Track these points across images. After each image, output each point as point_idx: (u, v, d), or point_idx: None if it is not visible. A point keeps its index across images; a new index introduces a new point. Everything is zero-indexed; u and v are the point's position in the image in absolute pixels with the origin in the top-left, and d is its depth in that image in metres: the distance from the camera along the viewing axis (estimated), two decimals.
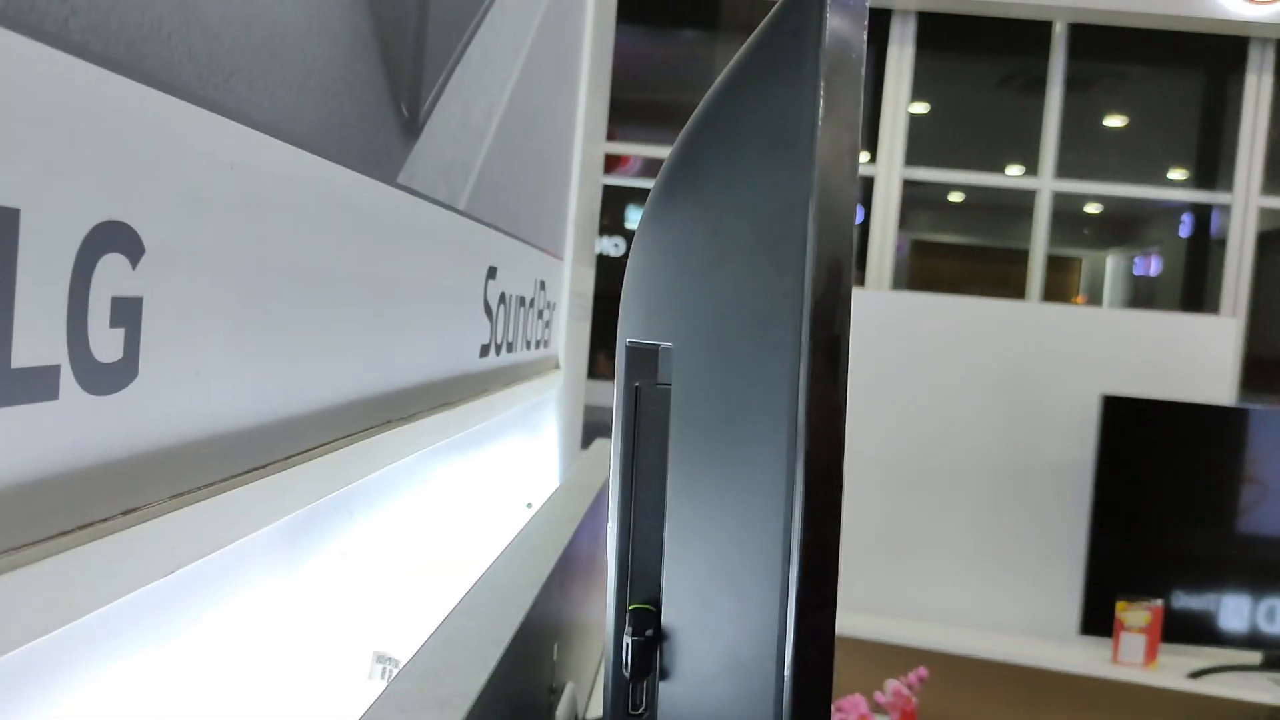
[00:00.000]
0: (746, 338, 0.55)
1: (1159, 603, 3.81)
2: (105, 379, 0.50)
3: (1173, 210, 6.74)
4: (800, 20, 0.54)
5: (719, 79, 0.61)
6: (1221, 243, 5.90)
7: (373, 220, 0.86)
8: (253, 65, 0.62)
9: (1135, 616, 3.83)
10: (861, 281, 5.82)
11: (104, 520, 0.50)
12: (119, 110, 0.49)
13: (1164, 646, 3.81)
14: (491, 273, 1.29)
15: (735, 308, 0.57)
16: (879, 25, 5.69)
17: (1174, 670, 3.81)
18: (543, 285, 1.64)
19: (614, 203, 6.53)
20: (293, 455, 0.72)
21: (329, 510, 0.80)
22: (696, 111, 0.62)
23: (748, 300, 0.56)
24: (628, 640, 0.61)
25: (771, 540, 0.53)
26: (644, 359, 0.65)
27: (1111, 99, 6.32)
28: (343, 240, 0.80)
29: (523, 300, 1.49)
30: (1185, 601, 3.94)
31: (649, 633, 0.62)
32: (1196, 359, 4.17)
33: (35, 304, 0.44)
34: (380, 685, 0.92)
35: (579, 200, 1.90)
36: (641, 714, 0.65)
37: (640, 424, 0.65)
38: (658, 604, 0.65)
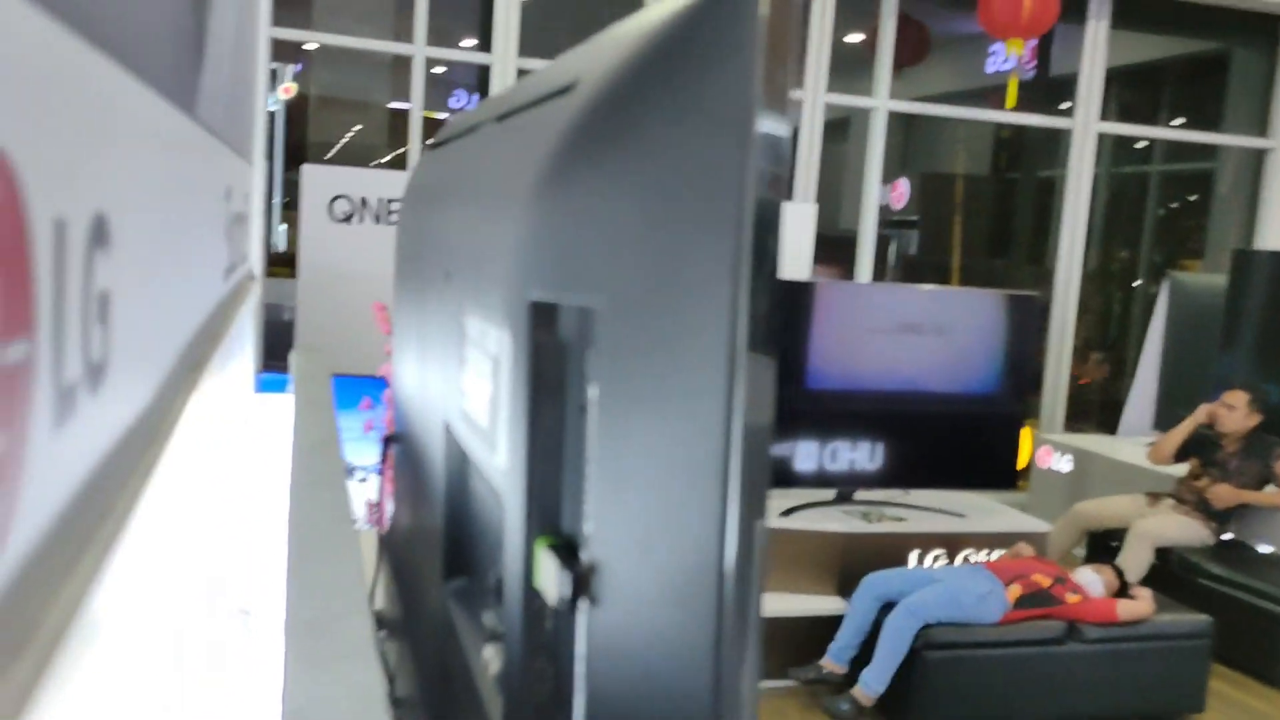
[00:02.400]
0: (680, 300, 0.60)
1: None
2: (94, 377, 0.47)
3: None
4: (733, 12, 0.58)
5: (635, 50, 0.64)
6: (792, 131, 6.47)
7: (180, 154, 0.81)
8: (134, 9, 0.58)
9: None
10: None
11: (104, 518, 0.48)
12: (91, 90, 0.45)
13: None
14: (228, 194, 1.22)
15: (668, 273, 0.61)
16: None
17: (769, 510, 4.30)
18: (246, 197, 1.56)
19: None
20: (168, 410, 0.69)
21: None
22: (608, 75, 0.64)
23: (682, 267, 0.60)
24: (566, 574, 0.66)
25: (710, 478, 0.59)
26: (549, 315, 0.68)
27: None
28: (175, 179, 0.75)
29: (238, 217, 1.42)
30: (773, 451, 4.44)
31: (577, 566, 0.67)
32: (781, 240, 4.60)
33: (71, 317, 0.41)
34: (243, 634, 0.90)
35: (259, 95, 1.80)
36: (548, 638, 0.71)
37: (541, 378, 0.69)
38: (563, 537, 0.70)
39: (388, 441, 1.24)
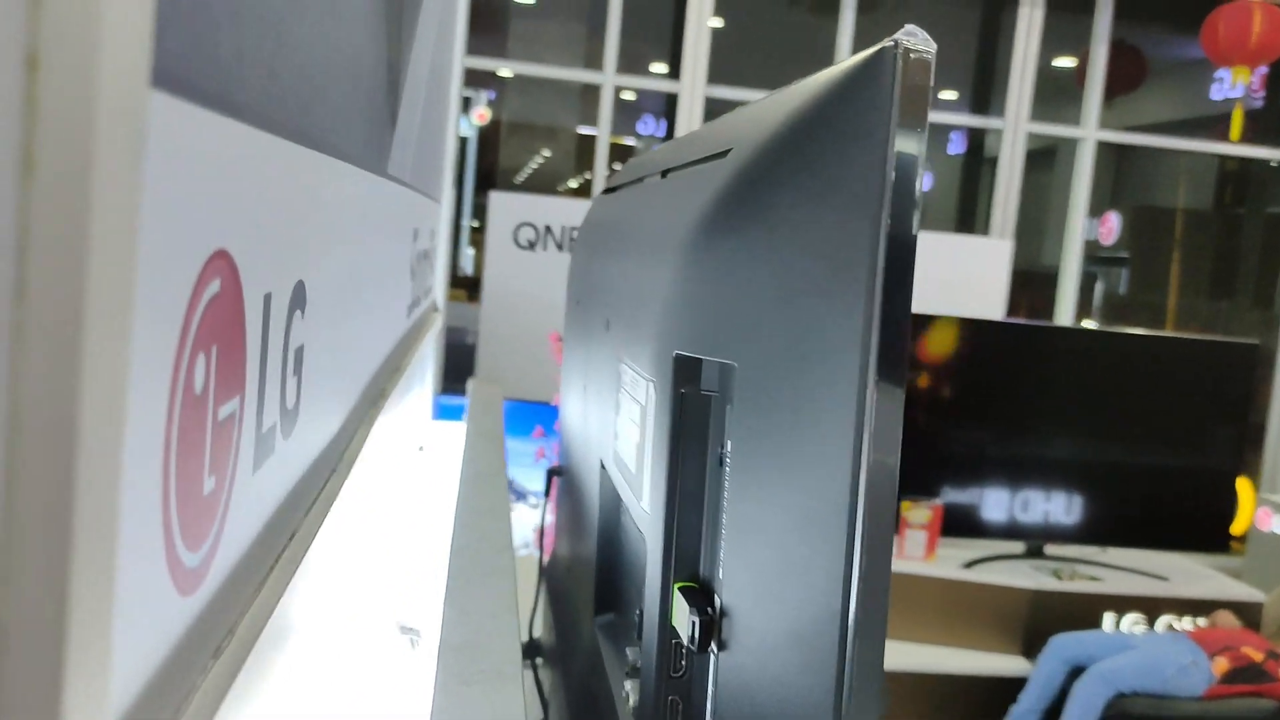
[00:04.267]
0: (812, 364, 0.64)
1: (939, 502, 4.19)
2: (289, 424, 0.54)
3: (943, 129, 7.17)
4: (871, 92, 0.62)
5: (782, 122, 0.69)
6: (991, 160, 6.34)
7: (374, 212, 0.90)
8: (332, 102, 0.66)
9: (918, 514, 4.20)
10: None
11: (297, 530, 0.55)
12: (299, 178, 0.53)
13: (942, 540, 4.19)
14: (415, 235, 1.32)
15: (801, 336, 0.65)
16: None
17: (951, 561, 4.19)
18: (432, 233, 1.67)
19: None
20: (344, 450, 0.77)
21: None
22: (756, 145, 0.70)
23: (815, 333, 0.65)
24: (694, 619, 0.71)
25: (834, 530, 0.63)
26: (695, 370, 0.73)
27: (896, 22, 6.61)
28: (367, 237, 0.84)
29: (425, 254, 1.53)
30: (956, 499, 4.33)
31: (709, 610, 0.71)
32: (969, 277, 4.53)
33: (273, 374, 0.49)
34: (412, 654, 0.98)
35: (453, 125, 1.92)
36: (682, 676, 0.76)
37: (685, 427, 0.74)
38: (700, 581, 0.75)
39: (551, 473, 1.31)
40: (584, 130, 7.47)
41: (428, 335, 1.62)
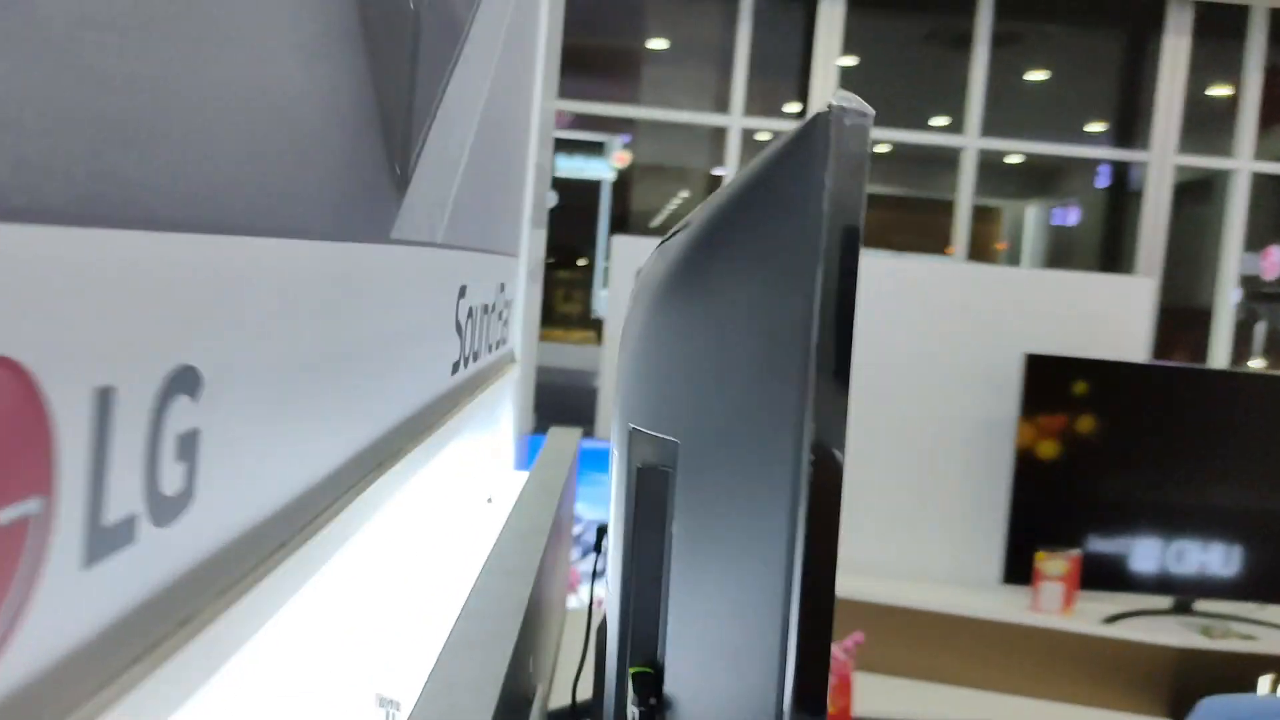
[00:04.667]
0: (750, 442, 0.61)
1: (1077, 552, 3.99)
2: (169, 511, 0.54)
3: (1091, 162, 6.91)
4: (805, 162, 0.59)
5: (726, 194, 0.66)
6: (1137, 194, 6.08)
7: (370, 280, 0.90)
8: (276, 176, 0.66)
9: (1053, 566, 4.00)
10: None
11: (166, 638, 0.55)
12: (177, 266, 0.53)
13: (1082, 594, 3.99)
14: (462, 292, 1.32)
15: (740, 414, 0.62)
16: None
17: (1090, 616, 3.99)
18: (502, 287, 1.68)
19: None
20: (306, 525, 0.76)
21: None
22: (702, 219, 0.67)
23: (753, 410, 0.61)
24: (635, 709, 0.68)
25: (771, 613, 0.59)
26: (648, 444, 0.71)
27: (1034, 55, 6.44)
28: (344, 309, 0.84)
29: (486, 308, 1.53)
30: (1101, 549, 4.12)
31: (652, 701, 0.68)
32: (1113, 318, 4.32)
33: (123, 464, 0.48)
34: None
35: (535, 179, 1.94)
36: None
37: (641, 504, 0.71)
38: (655, 665, 0.72)
39: (600, 531, 1.29)
40: (717, 171, 7.49)
41: (494, 386, 1.63)
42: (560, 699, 1.38)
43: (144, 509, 0.51)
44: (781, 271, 0.60)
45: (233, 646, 0.61)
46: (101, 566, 0.47)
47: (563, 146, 6.76)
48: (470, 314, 1.40)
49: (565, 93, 6.30)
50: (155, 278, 0.50)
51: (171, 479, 0.54)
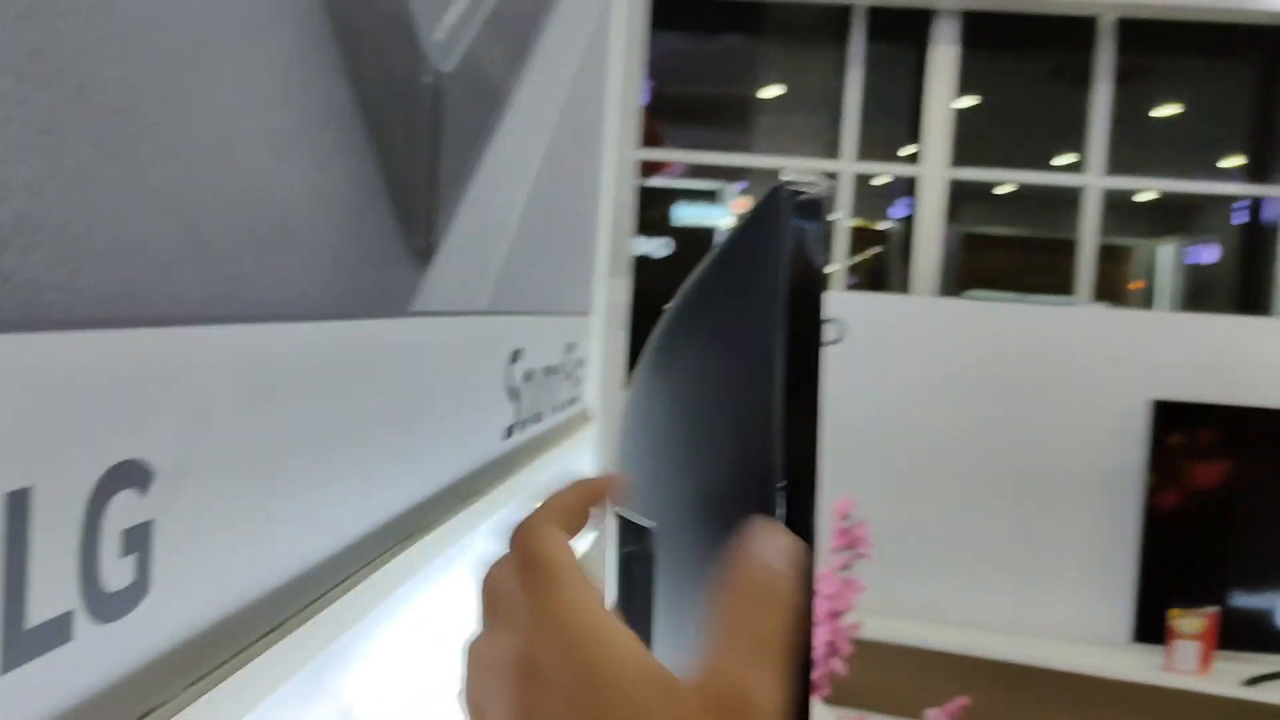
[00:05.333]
0: (715, 527, 0.58)
1: (1214, 609, 3.77)
2: (116, 605, 0.54)
3: (1227, 198, 6.63)
4: (762, 239, 0.56)
5: (701, 270, 0.64)
6: (1275, 229, 5.80)
7: (386, 354, 0.90)
8: (264, 258, 0.66)
9: (1188, 624, 3.79)
10: (907, 280, 5.79)
11: None
12: (126, 362, 0.53)
13: (1220, 653, 3.77)
14: (515, 356, 1.32)
15: (702, 499, 0.60)
16: (919, 26, 5.64)
17: (1229, 677, 3.76)
18: (570, 347, 1.67)
19: (660, 203, 6.58)
20: (307, 605, 0.76)
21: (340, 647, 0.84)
22: (683, 293, 0.65)
23: (719, 496, 0.59)
24: None
25: None
26: (631, 530, 0.68)
27: (1161, 90, 6.22)
28: (355, 384, 0.84)
29: (549, 369, 1.53)
30: (1242, 606, 3.89)
31: None
32: (1248, 361, 4.10)
33: (48, 564, 0.49)
34: None
35: (612, 232, 1.94)
36: None
37: (628, 590, 0.69)
38: None
39: None
40: (831, 217, 7.42)
41: (565, 444, 1.62)
42: None
43: (80, 605, 0.51)
44: (743, 348, 0.58)
45: None
46: (25, 670, 0.47)
47: (684, 195, 6.95)
48: (529, 377, 1.40)
49: (678, 142, 6.36)
50: (81, 376, 0.50)
51: (117, 573, 0.54)
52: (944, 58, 5.62)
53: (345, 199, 0.77)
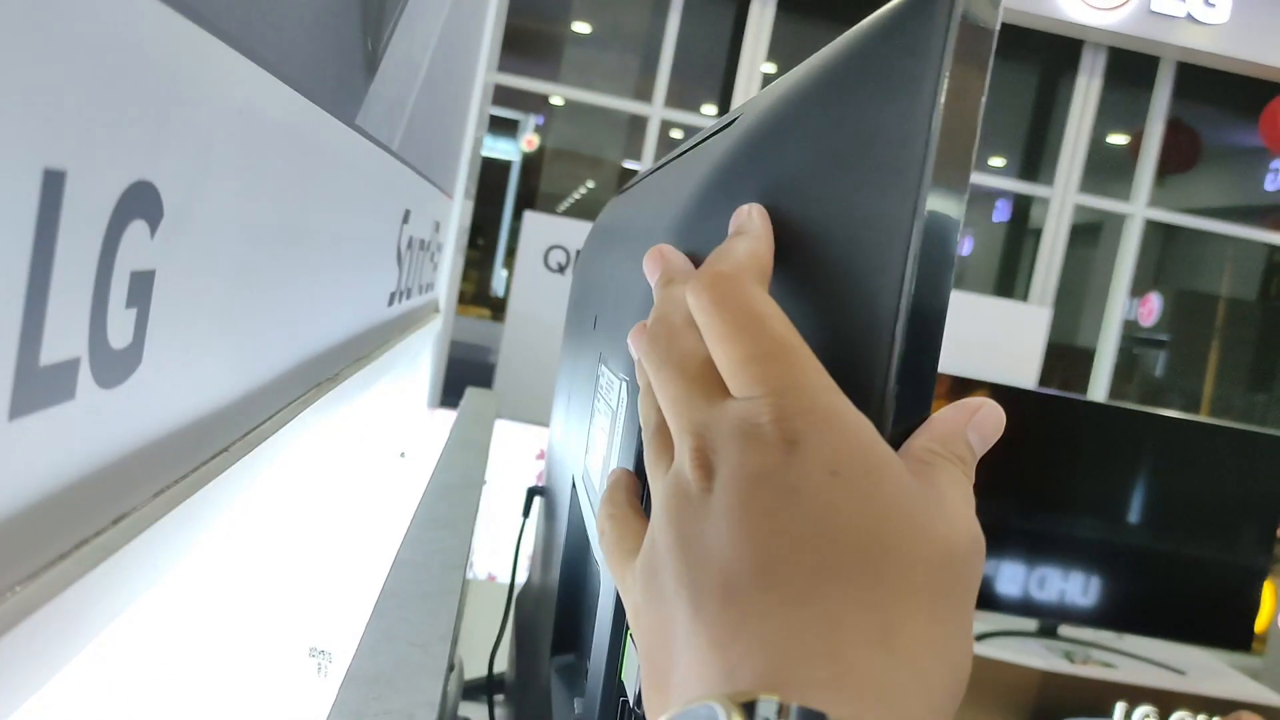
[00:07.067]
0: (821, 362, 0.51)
1: None
2: (114, 368, 0.42)
3: (989, 195, 7.04)
4: (919, 26, 0.48)
5: (800, 82, 0.55)
6: (1034, 231, 6.20)
7: (332, 166, 0.77)
8: None
9: None
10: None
11: (97, 534, 0.42)
12: (161, 61, 0.40)
13: None
14: (405, 216, 1.20)
15: (807, 330, 0.52)
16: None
17: None
18: (437, 226, 1.55)
19: None
20: (251, 431, 0.64)
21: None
22: (766, 111, 0.56)
23: (823, 328, 0.51)
24: (638, 670, 0.57)
25: None
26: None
27: None
28: (306, 189, 0.71)
29: (423, 244, 1.41)
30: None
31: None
32: (1006, 343, 4.37)
33: (68, 276, 0.36)
34: (320, 681, 0.85)
35: (472, 141, 1.81)
36: None
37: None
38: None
39: (531, 493, 1.17)
40: (629, 164, 7.39)
41: (419, 334, 1.50)
42: (473, 669, 1.26)
43: (87, 356, 0.39)
44: (876, 164, 0.49)
45: (171, 558, 0.49)
46: (29, 420, 0.35)
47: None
48: (410, 244, 1.27)
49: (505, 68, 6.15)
50: (130, 61, 0.38)
51: (120, 327, 0.42)
52: (761, 19, 5.66)
53: None
